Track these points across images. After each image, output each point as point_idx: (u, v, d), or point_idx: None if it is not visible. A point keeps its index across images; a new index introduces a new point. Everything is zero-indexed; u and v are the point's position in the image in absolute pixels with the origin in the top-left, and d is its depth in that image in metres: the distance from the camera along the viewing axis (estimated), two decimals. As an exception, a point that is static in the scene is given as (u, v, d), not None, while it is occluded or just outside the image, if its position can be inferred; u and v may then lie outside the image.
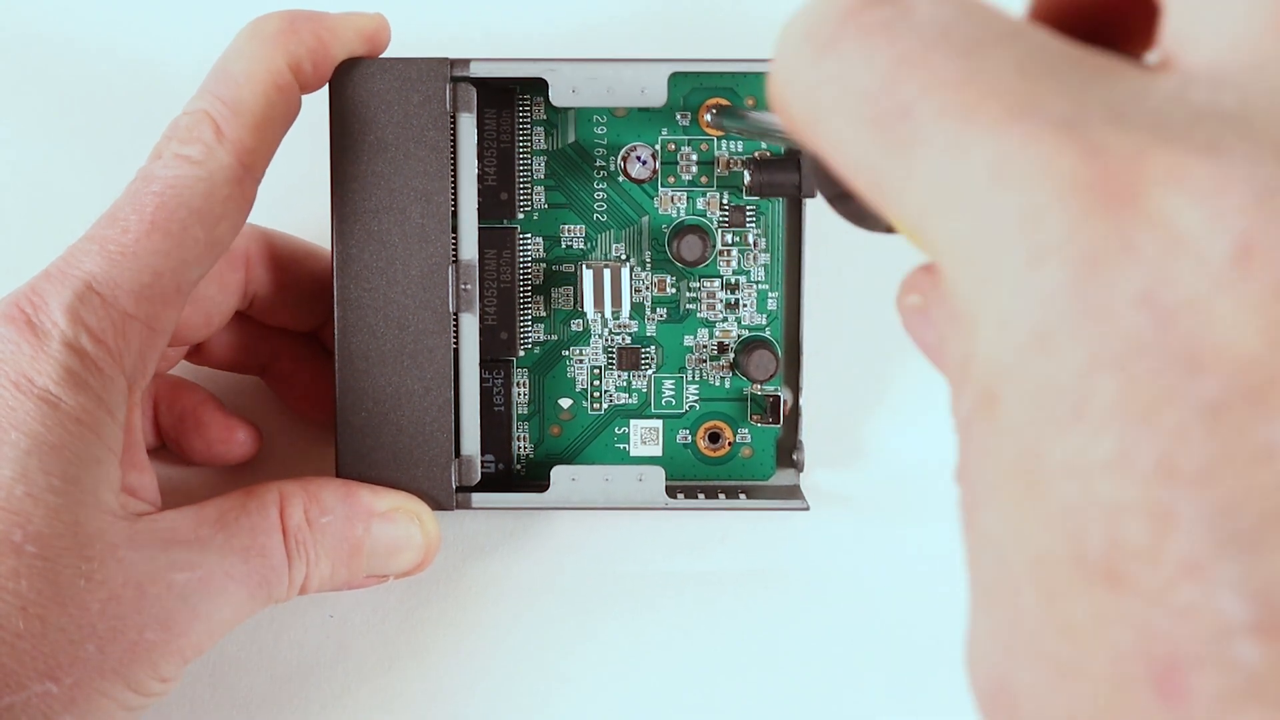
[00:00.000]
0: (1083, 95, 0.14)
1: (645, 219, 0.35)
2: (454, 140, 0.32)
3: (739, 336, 0.36)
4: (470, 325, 0.33)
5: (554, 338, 0.36)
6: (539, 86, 0.34)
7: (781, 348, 0.35)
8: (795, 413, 0.35)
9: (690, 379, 0.36)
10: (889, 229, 0.21)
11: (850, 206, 0.21)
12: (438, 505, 0.33)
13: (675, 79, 0.34)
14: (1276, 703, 0.12)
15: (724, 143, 0.35)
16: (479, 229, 0.33)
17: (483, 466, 0.35)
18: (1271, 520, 0.12)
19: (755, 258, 0.35)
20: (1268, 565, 0.12)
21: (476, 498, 0.33)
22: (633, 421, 0.36)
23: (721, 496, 0.34)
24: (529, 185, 0.35)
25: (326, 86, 0.32)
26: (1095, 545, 0.13)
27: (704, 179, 0.35)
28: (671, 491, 0.34)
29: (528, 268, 0.35)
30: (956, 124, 0.14)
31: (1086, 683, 0.13)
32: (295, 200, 0.35)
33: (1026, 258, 0.13)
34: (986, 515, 0.15)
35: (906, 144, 0.15)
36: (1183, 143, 0.13)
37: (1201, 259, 0.12)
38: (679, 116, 0.35)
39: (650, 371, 0.36)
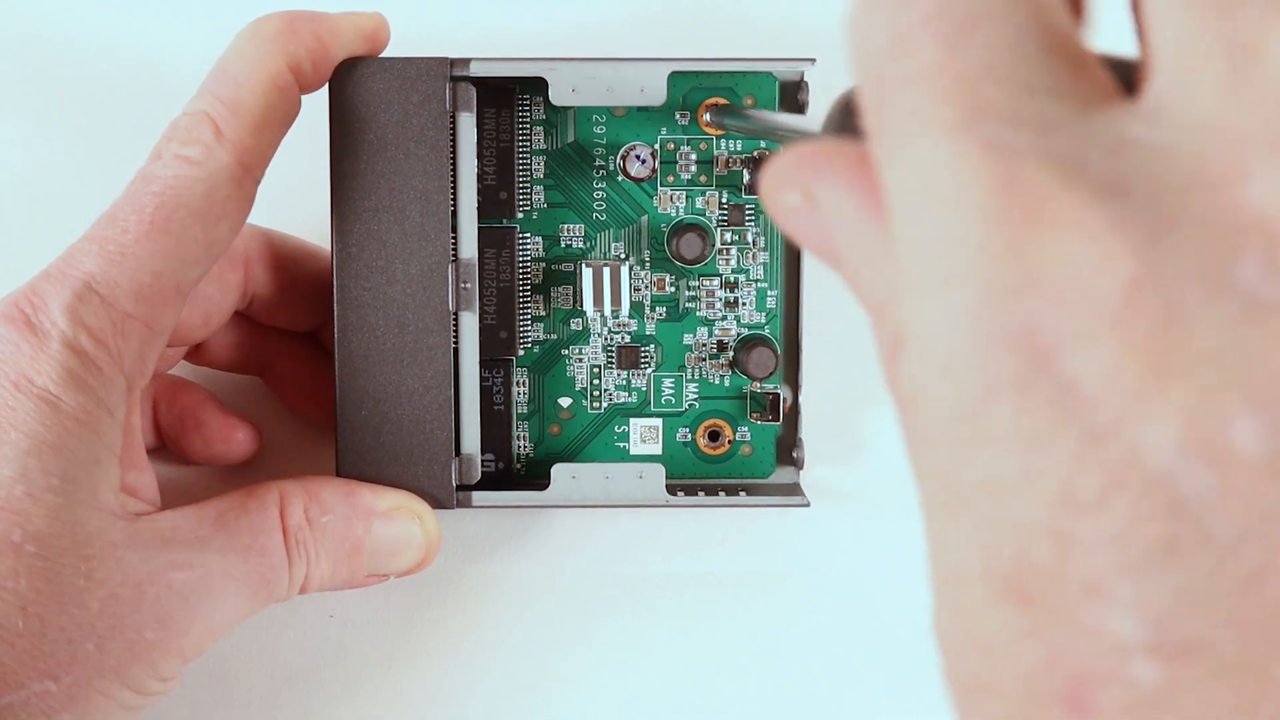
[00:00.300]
0: (1025, 111, 0.14)
1: (644, 218, 0.35)
2: (454, 139, 0.32)
3: (738, 335, 0.36)
4: (470, 324, 0.33)
5: (554, 337, 0.36)
6: (538, 86, 0.34)
7: (781, 345, 0.35)
8: (795, 410, 0.35)
9: (690, 377, 0.36)
10: None
11: None
12: (438, 504, 0.33)
13: (674, 78, 0.34)
14: (1176, 717, 0.12)
15: (723, 142, 0.35)
16: (478, 228, 0.33)
17: (483, 465, 0.35)
18: (1168, 546, 0.12)
19: (754, 256, 0.35)
20: (1160, 589, 0.12)
21: (477, 496, 0.33)
22: (632, 420, 0.36)
23: (722, 494, 0.34)
24: (528, 184, 0.35)
25: (326, 86, 0.32)
26: (1006, 563, 0.13)
27: (703, 178, 0.35)
28: (671, 489, 0.34)
29: (527, 267, 0.35)
30: (916, 123, 0.15)
31: (998, 699, 0.14)
32: (295, 200, 0.35)
33: (941, 279, 0.14)
34: (925, 514, 0.16)
35: (890, 122, 0.15)
36: (1092, 184, 0.13)
37: (1091, 296, 0.13)
38: (678, 116, 0.35)
39: (650, 370, 0.36)
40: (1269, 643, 0.12)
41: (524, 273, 0.35)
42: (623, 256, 0.35)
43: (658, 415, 0.36)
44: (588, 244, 0.35)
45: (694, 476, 0.36)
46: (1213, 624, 0.12)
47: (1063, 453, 0.13)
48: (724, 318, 0.36)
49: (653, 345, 0.36)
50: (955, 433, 0.14)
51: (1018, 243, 0.13)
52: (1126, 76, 0.16)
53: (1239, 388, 0.12)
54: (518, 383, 0.36)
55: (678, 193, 0.35)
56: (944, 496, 0.14)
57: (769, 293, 0.35)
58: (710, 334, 0.36)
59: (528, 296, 0.35)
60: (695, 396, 0.36)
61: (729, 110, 0.34)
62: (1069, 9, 0.16)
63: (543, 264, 0.35)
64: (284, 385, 0.36)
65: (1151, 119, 0.14)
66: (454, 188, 0.32)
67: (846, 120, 0.21)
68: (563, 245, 0.35)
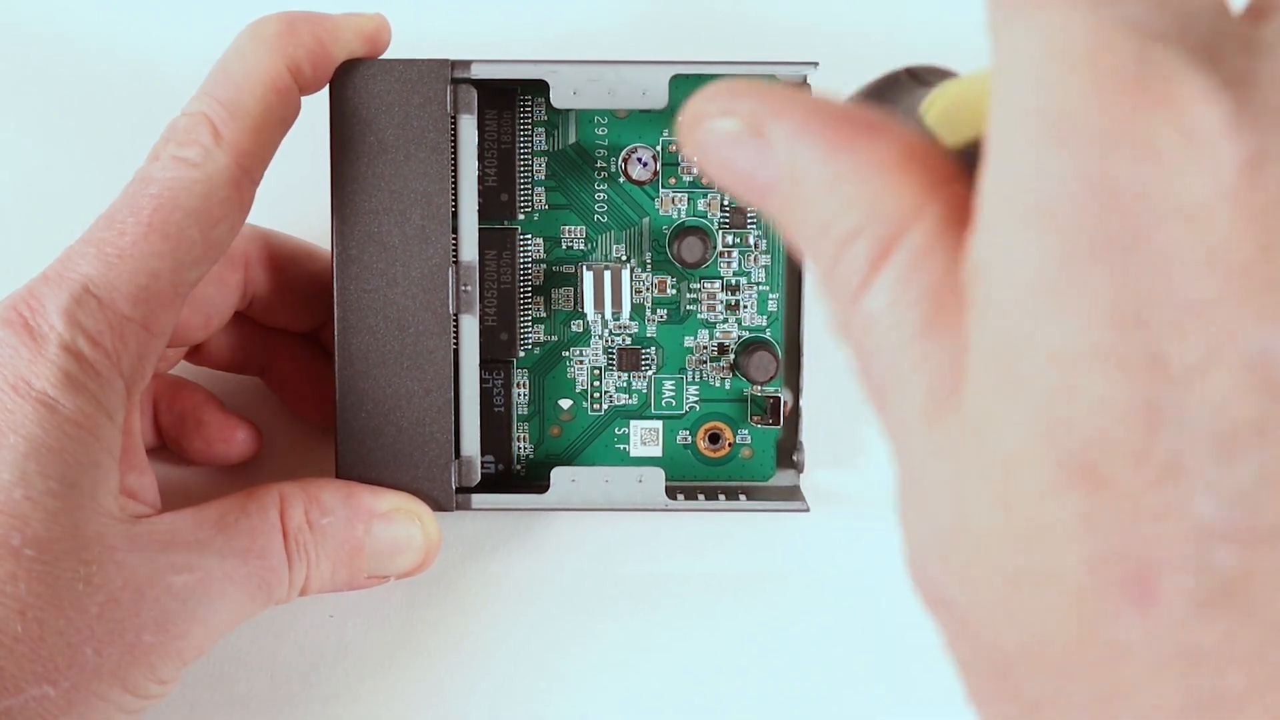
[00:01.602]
0: (1165, 2, 0.14)
1: (646, 220, 0.35)
2: (454, 141, 0.32)
3: (739, 337, 0.35)
4: (470, 326, 0.33)
5: (554, 338, 0.36)
6: (540, 87, 0.34)
7: (782, 349, 0.35)
8: (795, 414, 0.35)
9: (690, 380, 0.36)
10: None
11: None
12: (438, 506, 0.33)
13: (676, 81, 0.34)
14: (1247, 609, 0.12)
15: (725, 144, 0.35)
16: (479, 230, 0.33)
17: (482, 467, 0.35)
18: (1257, 425, 0.12)
19: (756, 259, 0.35)
20: (1250, 470, 0.12)
21: (476, 499, 0.33)
22: (633, 422, 0.36)
23: (721, 497, 0.34)
24: (529, 186, 0.35)
25: (327, 88, 0.31)
26: (1077, 440, 0.13)
27: (705, 180, 0.35)
28: (671, 492, 0.34)
29: (528, 269, 0.35)
30: None
31: (1049, 590, 0.13)
32: (295, 201, 0.35)
33: (1053, 135, 0.14)
34: (972, 399, 0.15)
35: None
36: (1226, 68, 0.13)
37: (1213, 165, 0.13)
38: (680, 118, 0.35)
39: (650, 372, 0.36)
40: None
41: (525, 274, 0.35)
42: (624, 259, 0.35)
43: (658, 417, 0.36)
44: (589, 246, 0.35)
45: (694, 479, 0.36)
46: None
47: (1161, 322, 0.13)
48: (725, 320, 0.35)
49: (653, 348, 0.36)
50: (1036, 299, 0.13)
51: (1143, 112, 0.13)
52: None
53: None
54: (518, 384, 0.36)
55: (679, 195, 0.35)
56: (1005, 373, 0.14)
57: (770, 296, 0.35)
58: (711, 337, 0.36)
59: (528, 298, 0.35)
60: (696, 399, 0.36)
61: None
62: None
63: (544, 266, 0.35)
64: (284, 385, 0.36)
65: None
66: (455, 190, 0.32)
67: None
68: (564, 247, 0.35)
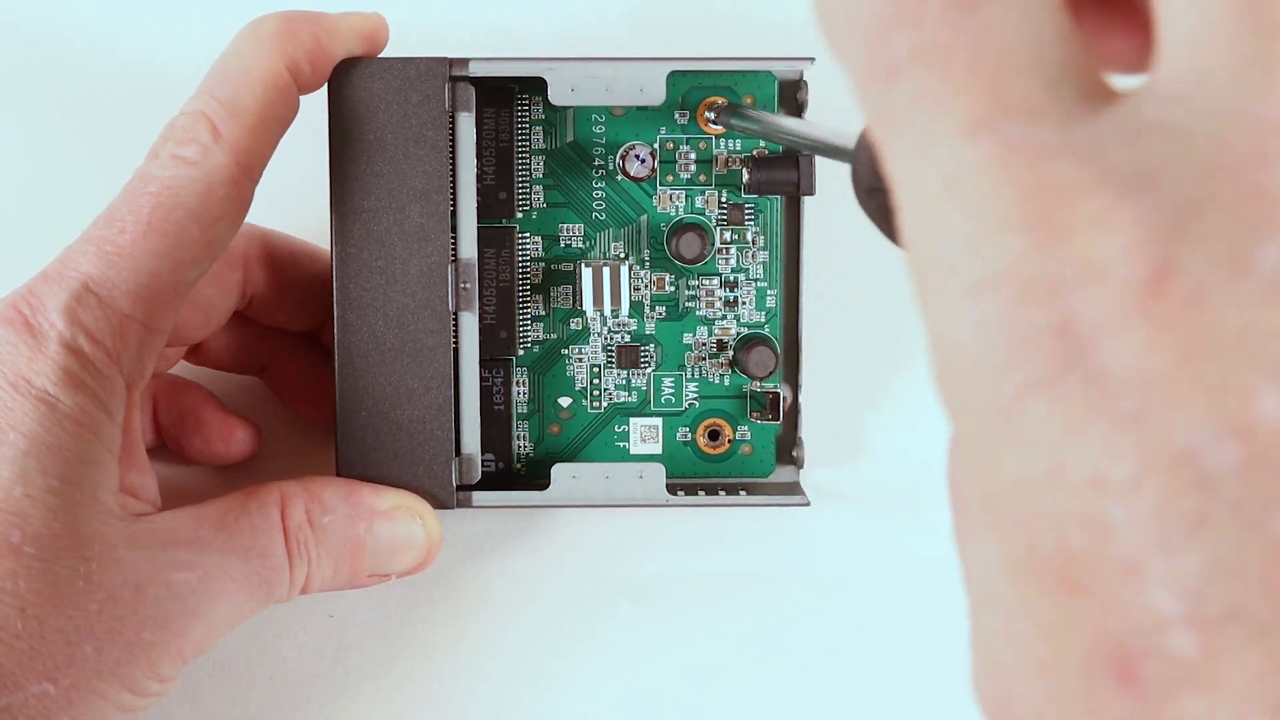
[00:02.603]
0: (1046, 104, 0.14)
1: (644, 217, 0.35)
2: (453, 139, 0.32)
3: (738, 334, 0.36)
4: (470, 324, 0.33)
5: (553, 336, 0.36)
6: (538, 85, 0.34)
7: (780, 344, 0.35)
8: (795, 409, 0.35)
9: (689, 376, 0.36)
10: None
11: (879, 201, 0.21)
12: (438, 504, 0.33)
13: (674, 78, 0.34)
14: (1212, 686, 0.13)
15: (722, 141, 0.35)
16: (478, 228, 0.33)
17: (483, 465, 0.35)
18: (1194, 521, 0.13)
19: (754, 255, 0.35)
20: (1192, 562, 0.13)
21: (477, 496, 0.33)
22: (632, 419, 0.36)
23: (722, 493, 0.34)
24: (528, 184, 0.35)
25: (325, 87, 0.32)
26: (1047, 553, 0.14)
27: (702, 177, 0.35)
28: (672, 489, 0.34)
29: (527, 267, 0.35)
30: (927, 118, 0.14)
31: (1062, 677, 0.14)
32: (295, 200, 0.35)
33: (969, 286, 0.14)
34: (963, 529, 0.16)
35: (892, 113, 0.15)
36: (1117, 178, 0.14)
37: (1119, 288, 0.13)
38: (677, 115, 0.35)
39: (650, 369, 0.36)
40: None
41: (524, 272, 0.35)
42: (622, 256, 0.35)
43: (657, 415, 0.36)
44: (587, 244, 0.35)
45: (694, 476, 0.36)
46: (1246, 592, 0.13)
47: (1094, 441, 0.13)
48: (724, 317, 0.36)
49: (652, 345, 0.36)
50: (987, 435, 0.14)
51: (1049, 246, 0.14)
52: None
53: (1262, 364, 0.13)
54: (518, 382, 0.36)
55: (677, 192, 0.35)
56: (985, 498, 0.15)
57: (768, 292, 0.35)
58: (710, 333, 0.36)
59: (527, 296, 0.35)
60: (695, 396, 0.36)
61: (735, 110, 0.34)
62: None
63: (542, 264, 0.35)
64: (284, 385, 0.36)
65: (1166, 101, 0.14)
66: (453, 188, 0.32)
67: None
68: (562, 245, 0.35)
